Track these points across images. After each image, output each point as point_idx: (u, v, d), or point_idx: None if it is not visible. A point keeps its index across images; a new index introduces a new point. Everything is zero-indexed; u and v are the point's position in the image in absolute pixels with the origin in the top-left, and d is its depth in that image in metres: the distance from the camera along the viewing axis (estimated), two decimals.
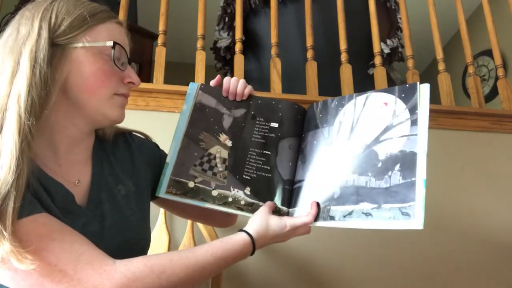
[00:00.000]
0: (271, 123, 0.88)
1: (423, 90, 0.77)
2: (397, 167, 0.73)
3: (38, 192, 0.62)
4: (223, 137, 0.87)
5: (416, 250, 1.41)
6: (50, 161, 0.69)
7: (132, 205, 0.76)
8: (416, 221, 0.68)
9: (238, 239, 0.71)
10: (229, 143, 0.86)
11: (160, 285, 0.62)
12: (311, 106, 0.89)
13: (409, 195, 0.70)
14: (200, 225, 1.24)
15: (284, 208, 0.81)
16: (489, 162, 1.56)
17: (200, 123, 0.88)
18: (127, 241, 0.72)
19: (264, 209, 0.78)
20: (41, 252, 0.57)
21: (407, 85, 0.79)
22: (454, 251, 1.43)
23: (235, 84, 0.89)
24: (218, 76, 0.92)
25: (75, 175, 0.72)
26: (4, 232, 0.54)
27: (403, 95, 0.79)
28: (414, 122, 0.75)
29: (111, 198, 0.73)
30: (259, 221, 0.75)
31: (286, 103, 0.90)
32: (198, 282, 0.67)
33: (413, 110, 0.76)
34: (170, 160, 0.85)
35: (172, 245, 1.23)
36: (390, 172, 0.73)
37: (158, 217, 1.23)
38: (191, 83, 0.93)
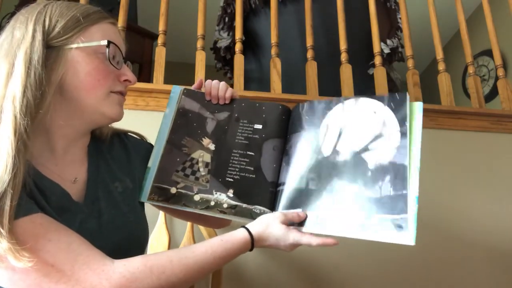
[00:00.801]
0: (255, 124, 0.87)
1: (417, 109, 0.76)
2: (388, 178, 0.72)
3: (33, 193, 0.63)
4: (206, 141, 0.86)
5: (416, 250, 1.40)
6: (46, 160, 0.69)
7: (130, 202, 0.77)
8: (408, 234, 0.67)
9: (239, 237, 0.71)
10: (212, 146, 0.86)
11: (159, 285, 0.62)
12: (297, 106, 0.87)
13: (401, 207, 0.69)
14: (200, 226, 1.24)
15: (268, 211, 0.80)
16: (489, 162, 1.56)
17: (183, 129, 0.88)
18: (125, 238, 0.73)
19: (277, 215, 0.75)
20: (38, 252, 0.57)
21: (397, 95, 0.78)
22: (454, 251, 1.43)
23: (217, 87, 0.89)
24: (200, 79, 0.92)
25: (72, 173, 0.72)
26: (2, 230, 0.55)
27: (392, 105, 0.78)
28: (404, 134, 0.74)
29: (108, 195, 0.74)
30: (265, 224, 0.74)
31: (270, 104, 0.89)
32: (197, 280, 0.67)
33: (402, 121, 0.76)
34: (152, 165, 0.85)
35: (172, 245, 1.23)
36: (380, 183, 0.73)
37: (158, 217, 1.23)
38: (174, 86, 0.93)
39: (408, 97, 0.77)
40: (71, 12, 0.70)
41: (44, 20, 0.67)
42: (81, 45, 0.68)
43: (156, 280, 0.61)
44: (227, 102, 0.89)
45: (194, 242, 1.22)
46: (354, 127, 0.79)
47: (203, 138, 0.87)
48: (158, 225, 1.22)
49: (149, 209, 0.86)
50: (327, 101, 0.84)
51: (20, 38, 0.66)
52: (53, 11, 0.69)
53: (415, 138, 0.74)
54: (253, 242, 0.72)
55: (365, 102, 0.80)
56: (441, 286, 1.40)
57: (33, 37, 0.65)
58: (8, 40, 0.67)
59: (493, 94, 2.95)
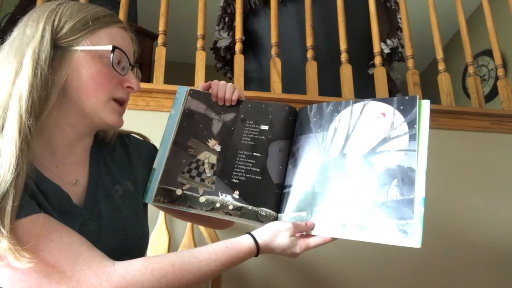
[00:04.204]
0: (261, 125, 0.86)
1: (424, 107, 0.75)
2: (395, 182, 0.72)
3: (35, 193, 0.62)
4: (212, 143, 0.86)
5: (417, 251, 1.41)
6: (47, 162, 0.69)
7: (130, 205, 0.77)
8: (414, 239, 0.67)
9: (244, 246, 0.70)
10: (218, 148, 0.85)
11: None
12: (304, 108, 0.87)
13: (407, 213, 0.68)
14: (201, 226, 1.24)
15: (273, 213, 0.79)
16: (489, 162, 1.56)
17: (189, 130, 0.87)
18: (125, 240, 0.72)
19: (288, 227, 0.73)
20: (39, 253, 0.57)
21: (406, 97, 0.77)
22: (453, 251, 1.43)
23: (223, 89, 0.88)
24: (209, 82, 0.91)
25: (73, 175, 0.72)
26: (3, 230, 0.54)
27: (401, 107, 0.77)
28: (412, 137, 0.73)
29: (108, 198, 0.74)
30: (274, 234, 0.72)
31: (276, 105, 0.88)
32: (198, 285, 0.67)
33: (411, 124, 0.74)
34: (158, 166, 0.84)
35: (172, 245, 1.23)
36: (387, 187, 0.72)
37: (158, 217, 1.23)
38: (179, 87, 0.92)
39: (418, 100, 0.76)
40: (82, 13, 0.70)
41: (54, 20, 0.67)
42: (86, 48, 0.68)
43: (156, 284, 0.61)
44: (233, 104, 0.89)
45: (194, 242, 1.22)
46: (362, 130, 0.78)
47: (209, 140, 0.86)
48: (158, 225, 1.22)
49: (149, 209, 0.86)
50: (335, 103, 0.83)
51: (30, 36, 0.66)
52: (64, 11, 0.69)
53: (422, 137, 0.73)
54: (258, 251, 0.71)
55: (374, 104, 0.79)
56: (443, 287, 1.40)
57: (42, 36, 0.65)
58: (19, 37, 0.67)
59: (493, 94, 2.95)
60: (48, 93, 0.64)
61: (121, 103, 0.74)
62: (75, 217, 0.67)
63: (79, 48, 0.68)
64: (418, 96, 0.77)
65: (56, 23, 0.67)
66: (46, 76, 0.63)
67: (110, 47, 0.69)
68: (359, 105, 0.81)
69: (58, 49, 0.67)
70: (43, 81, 0.63)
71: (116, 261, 0.62)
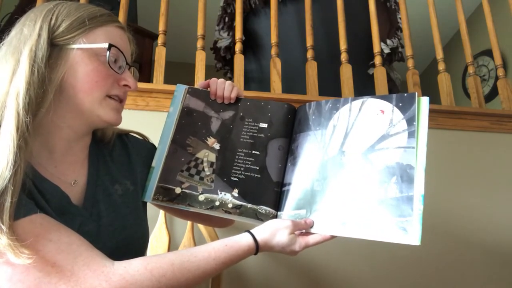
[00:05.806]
0: (260, 123, 0.86)
1: (423, 104, 0.75)
2: (394, 179, 0.72)
3: (33, 194, 0.62)
4: (211, 141, 0.86)
5: (415, 250, 1.41)
6: (45, 161, 0.69)
7: (130, 204, 0.76)
8: (413, 236, 0.67)
9: (243, 244, 0.70)
10: (216, 146, 0.85)
11: None
12: (303, 106, 0.87)
13: (406, 210, 0.68)
14: (200, 225, 1.24)
15: (272, 211, 0.79)
16: (489, 162, 1.56)
17: (188, 128, 0.87)
18: (124, 240, 0.72)
19: (287, 224, 0.73)
20: (38, 253, 0.57)
21: (405, 94, 0.77)
22: (452, 250, 1.43)
23: (222, 87, 0.88)
24: (207, 80, 0.91)
25: (71, 175, 0.72)
26: (2, 226, 0.54)
27: (400, 104, 0.76)
28: (411, 134, 0.73)
29: (107, 197, 0.73)
30: (273, 231, 0.72)
31: (275, 103, 0.88)
32: (197, 284, 0.67)
33: (410, 121, 0.74)
34: (156, 165, 0.84)
35: (172, 245, 1.23)
36: (386, 184, 0.72)
37: (158, 217, 1.23)
38: (178, 85, 0.92)
39: (416, 96, 0.76)
40: (79, 13, 0.70)
41: (51, 19, 0.68)
42: (83, 46, 0.68)
43: (156, 283, 0.61)
44: (232, 101, 0.89)
45: (194, 242, 1.22)
46: (361, 127, 0.78)
47: (208, 138, 0.86)
48: (158, 225, 1.22)
49: (149, 209, 0.86)
50: (334, 101, 0.83)
51: (27, 35, 0.66)
52: (62, 10, 0.69)
53: (421, 135, 0.73)
54: (257, 249, 0.71)
55: (373, 102, 0.79)
56: (443, 286, 1.40)
57: (39, 35, 0.66)
58: (17, 36, 0.67)
59: (493, 94, 2.95)
60: (45, 90, 0.64)
61: (118, 101, 0.74)
62: (74, 217, 0.67)
63: (75, 46, 0.68)
64: (417, 93, 0.76)
65: (53, 21, 0.68)
66: (43, 74, 0.64)
67: (106, 45, 0.70)
68: (357, 102, 0.81)
69: (55, 47, 0.67)
70: (40, 78, 0.63)
71: (115, 261, 0.62)
